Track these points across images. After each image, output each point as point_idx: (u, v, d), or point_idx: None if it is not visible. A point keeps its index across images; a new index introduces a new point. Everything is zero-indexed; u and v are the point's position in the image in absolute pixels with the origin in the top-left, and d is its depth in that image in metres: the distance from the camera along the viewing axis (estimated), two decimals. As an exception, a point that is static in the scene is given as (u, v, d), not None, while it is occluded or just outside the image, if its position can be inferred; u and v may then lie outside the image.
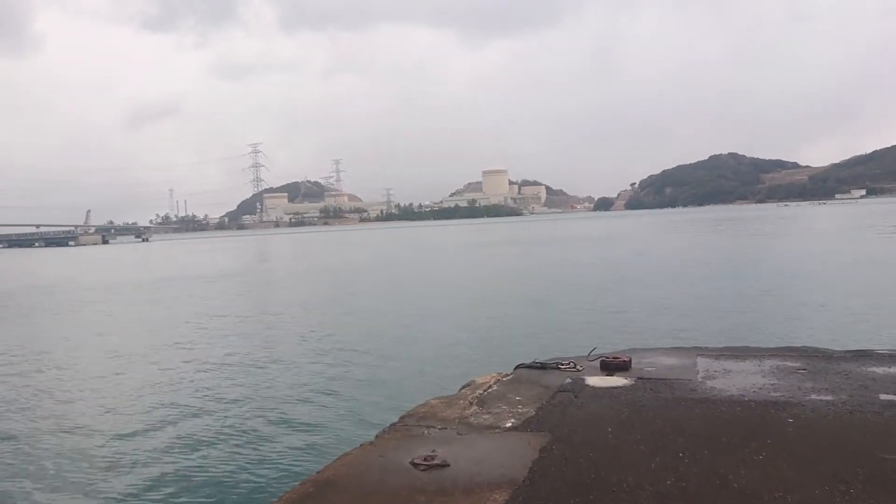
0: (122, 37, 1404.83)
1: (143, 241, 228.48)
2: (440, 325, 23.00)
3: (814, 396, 5.83)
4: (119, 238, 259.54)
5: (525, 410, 5.81)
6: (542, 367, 7.52)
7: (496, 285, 36.53)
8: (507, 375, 7.30)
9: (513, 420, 5.55)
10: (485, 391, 6.56)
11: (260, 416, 12.91)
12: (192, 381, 16.16)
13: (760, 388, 6.19)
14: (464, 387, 6.95)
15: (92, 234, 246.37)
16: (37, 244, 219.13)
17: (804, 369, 6.86)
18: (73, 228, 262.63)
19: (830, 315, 20.59)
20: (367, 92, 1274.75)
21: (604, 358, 7.50)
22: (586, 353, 8.03)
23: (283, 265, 66.78)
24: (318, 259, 72.82)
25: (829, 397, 5.77)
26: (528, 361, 7.75)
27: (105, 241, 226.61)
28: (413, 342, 20.07)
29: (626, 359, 7.39)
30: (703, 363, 7.42)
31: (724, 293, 26.65)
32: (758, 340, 14.39)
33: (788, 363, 7.15)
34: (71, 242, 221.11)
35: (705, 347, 8.60)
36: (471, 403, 6.12)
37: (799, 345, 9.21)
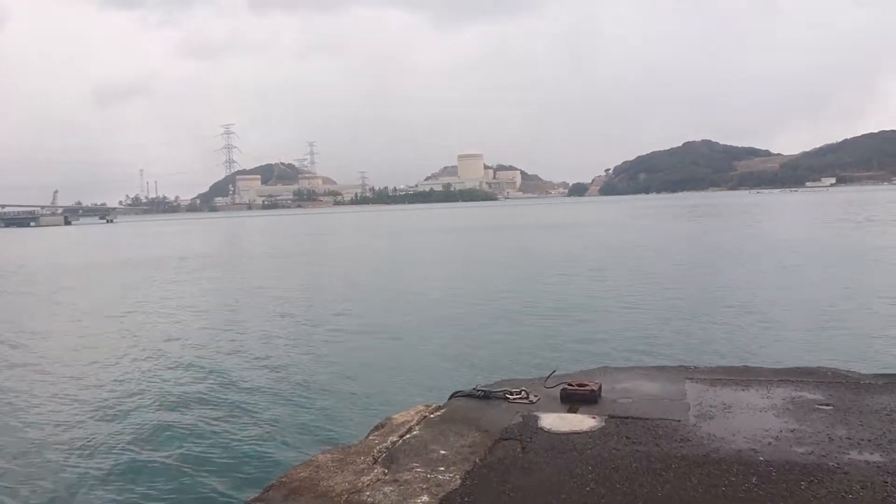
0: (86, 12, 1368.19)
1: (108, 222, 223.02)
2: (375, 332, 18.70)
3: (855, 455, 4.15)
4: (82, 219, 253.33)
5: (448, 477, 4.04)
6: (486, 395, 5.81)
7: (453, 279, 31.39)
8: (439, 409, 5.57)
9: (426, 497, 3.77)
10: (400, 437, 4.81)
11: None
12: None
13: (777, 439, 4.51)
14: (375, 429, 5.19)
15: (53, 214, 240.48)
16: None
17: (828, 404, 5.20)
18: (38, 208, 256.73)
19: (834, 320, 17.46)
20: (341, 74, 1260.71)
21: (566, 385, 5.79)
22: (544, 376, 6.33)
23: (227, 250, 64.12)
24: (276, 243, 70.37)
25: (878, 457, 4.10)
26: (469, 388, 6.05)
27: (67, 222, 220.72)
28: (338, 355, 15.82)
29: (593, 387, 5.68)
30: (693, 391, 5.75)
31: (708, 292, 23.53)
32: (754, 353, 12.82)
33: (805, 394, 5.49)
34: (32, 223, 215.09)
35: (694, 367, 6.93)
36: (374, 461, 4.35)
37: (809, 364, 7.55)
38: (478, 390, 5.90)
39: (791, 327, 16.72)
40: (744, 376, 6.26)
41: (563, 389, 5.68)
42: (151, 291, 30.65)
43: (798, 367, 6.74)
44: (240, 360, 15.61)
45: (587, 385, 5.70)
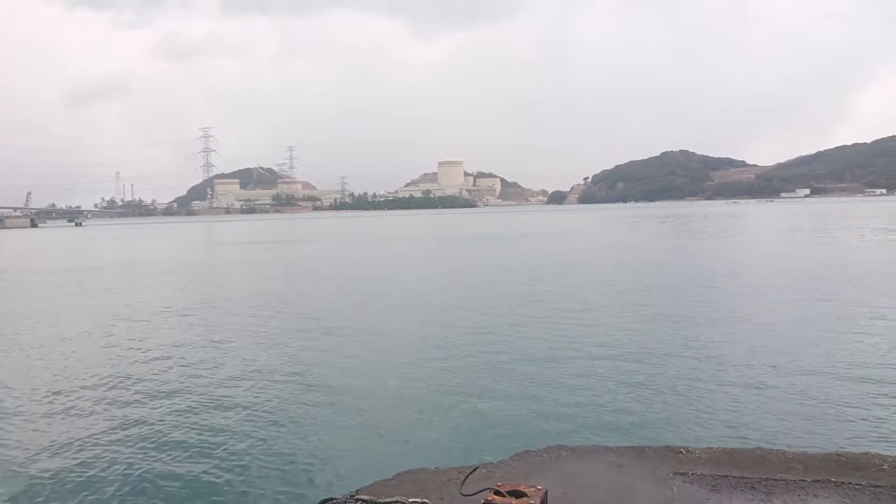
0: (54, 14, 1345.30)
1: (76, 225, 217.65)
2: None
3: None
4: (49, 222, 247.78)
5: None
6: (367, 511, 3.78)
7: (403, 305, 24.41)
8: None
9: None
10: None
11: None
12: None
13: None
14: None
15: (19, 216, 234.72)
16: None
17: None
18: (10, 210, 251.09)
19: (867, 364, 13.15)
20: (319, 80, 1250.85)
21: (491, 495, 3.76)
22: (463, 470, 4.34)
23: (179, 256, 61.47)
24: (233, 251, 67.87)
25: None
26: (346, 492, 4.06)
27: (34, 225, 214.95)
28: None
29: (533, 499, 3.66)
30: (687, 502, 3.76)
31: (697, 328, 17.72)
32: (765, 420, 9.89)
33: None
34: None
35: (686, 450, 4.95)
36: None
37: (851, 446, 5.61)
38: (358, 500, 3.87)
39: (812, 373, 12.52)
40: (761, 471, 4.29)
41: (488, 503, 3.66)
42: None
43: (838, 454, 4.76)
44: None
45: (524, 495, 3.68)
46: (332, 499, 4.11)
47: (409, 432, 10.31)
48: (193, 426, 10.86)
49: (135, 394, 13.06)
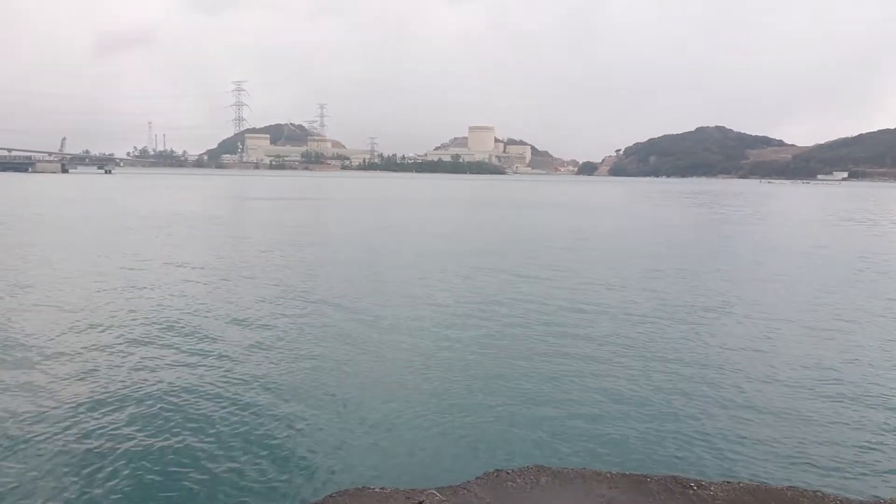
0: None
1: (106, 172, 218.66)
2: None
3: None
4: (80, 168, 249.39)
5: None
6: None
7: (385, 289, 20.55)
8: None
9: None
10: None
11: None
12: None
13: None
14: None
15: (52, 161, 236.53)
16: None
17: None
18: (45, 154, 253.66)
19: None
20: (352, 39, 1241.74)
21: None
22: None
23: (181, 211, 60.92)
24: (262, 207, 67.14)
25: None
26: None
27: (64, 170, 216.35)
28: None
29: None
30: None
31: (726, 328, 15.60)
32: (800, 459, 7.74)
33: None
34: (30, 169, 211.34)
35: (695, 483, 3.89)
36: None
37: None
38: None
39: (860, 399, 10.57)
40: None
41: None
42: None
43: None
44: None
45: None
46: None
47: (356, 441, 8.54)
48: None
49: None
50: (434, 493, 4.81)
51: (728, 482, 5.03)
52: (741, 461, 7.43)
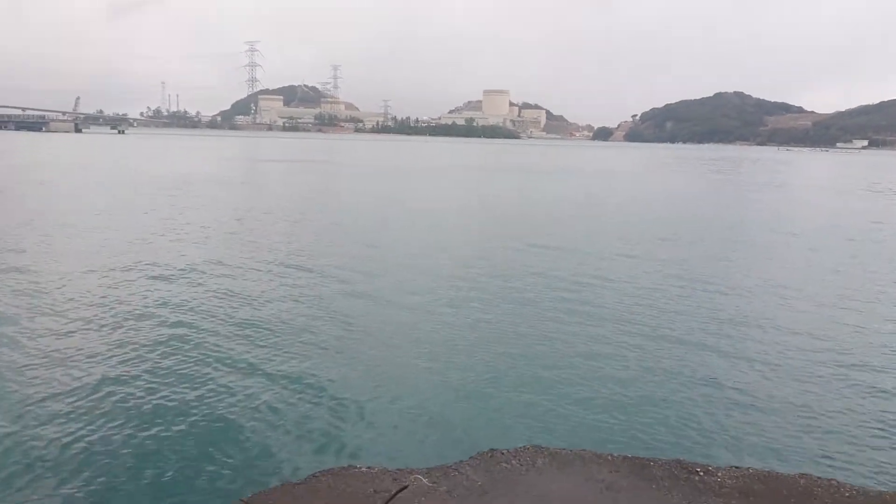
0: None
1: (119, 132, 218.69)
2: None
3: None
4: (93, 128, 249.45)
5: None
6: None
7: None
8: None
9: None
10: None
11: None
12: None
13: None
14: None
15: (66, 121, 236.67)
16: (9, 127, 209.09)
17: None
18: (59, 113, 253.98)
19: None
20: (367, 0, 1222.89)
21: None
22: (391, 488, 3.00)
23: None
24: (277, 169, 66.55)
25: None
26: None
27: (78, 130, 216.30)
28: None
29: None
30: None
31: (742, 304, 14.85)
32: (815, 446, 7.31)
33: None
34: (43, 128, 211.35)
35: (702, 468, 3.61)
36: None
37: None
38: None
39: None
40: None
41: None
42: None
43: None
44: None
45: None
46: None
47: (345, 421, 8.13)
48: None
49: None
50: (419, 478, 4.51)
51: (736, 468, 4.71)
52: (750, 447, 7.06)
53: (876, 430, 7.95)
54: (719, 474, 4.42)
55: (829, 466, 6.52)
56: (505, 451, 5.29)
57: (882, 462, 6.93)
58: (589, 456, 5.15)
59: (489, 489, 4.46)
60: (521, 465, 4.97)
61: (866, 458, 7.03)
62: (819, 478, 4.51)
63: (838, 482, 4.45)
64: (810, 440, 7.53)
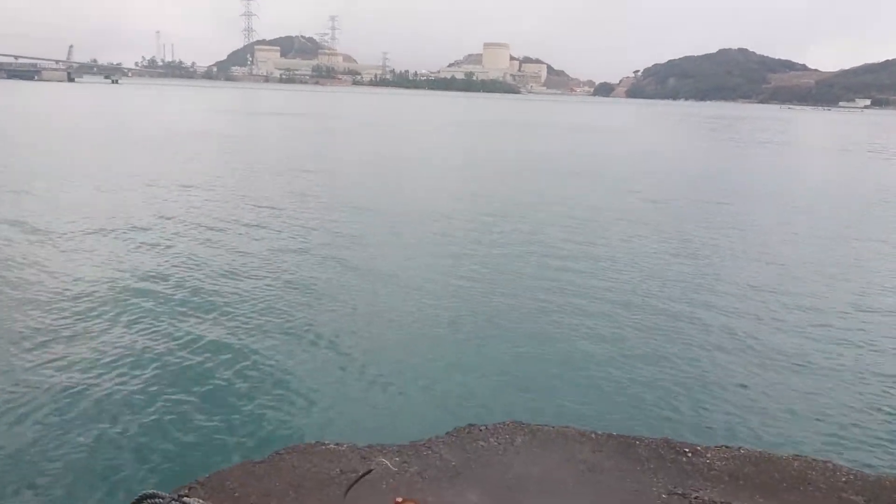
0: None
1: (112, 82, 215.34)
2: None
3: None
4: (86, 77, 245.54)
5: None
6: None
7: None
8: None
9: None
10: None
11: None
12: None
13: None
14: None
15: (59, 69, 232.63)
16: (1, 76, 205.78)
17: None
18: (52, 62, 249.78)
19: None
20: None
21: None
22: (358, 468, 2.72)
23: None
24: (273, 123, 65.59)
25: None
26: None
27: (71, 79, 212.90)
28: None
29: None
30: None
31: (743, 273, 14.37)
32: (809, 428, 7.03)
33: None
34: (35, 77, 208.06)
35: (690, 448, 3.33)
36: None
37: None
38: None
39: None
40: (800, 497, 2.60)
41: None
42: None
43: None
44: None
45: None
46: (153, 495, 3.13)
47: (317, 395, 7.72)
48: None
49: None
50: (383, 461, 4.25)
51: (727, 448, 4.47)
52: (741, 425, 6.82)
53: (874, 412, 7.64)
54: (708, 455, 4.17)
55: (825, 447, 6.30)
56: (483, 428, 5.03)
57: (880, 444, 6.67)
58: (572, 433, 4.90)
59: (462, 470, 4.21)
60: (500, 443, 4.71)
61: (864, 440, 6.77)
62: (814, 459, 4.27)
63: (834, 465, 4.22)
64: (805, 420, 7.24)
